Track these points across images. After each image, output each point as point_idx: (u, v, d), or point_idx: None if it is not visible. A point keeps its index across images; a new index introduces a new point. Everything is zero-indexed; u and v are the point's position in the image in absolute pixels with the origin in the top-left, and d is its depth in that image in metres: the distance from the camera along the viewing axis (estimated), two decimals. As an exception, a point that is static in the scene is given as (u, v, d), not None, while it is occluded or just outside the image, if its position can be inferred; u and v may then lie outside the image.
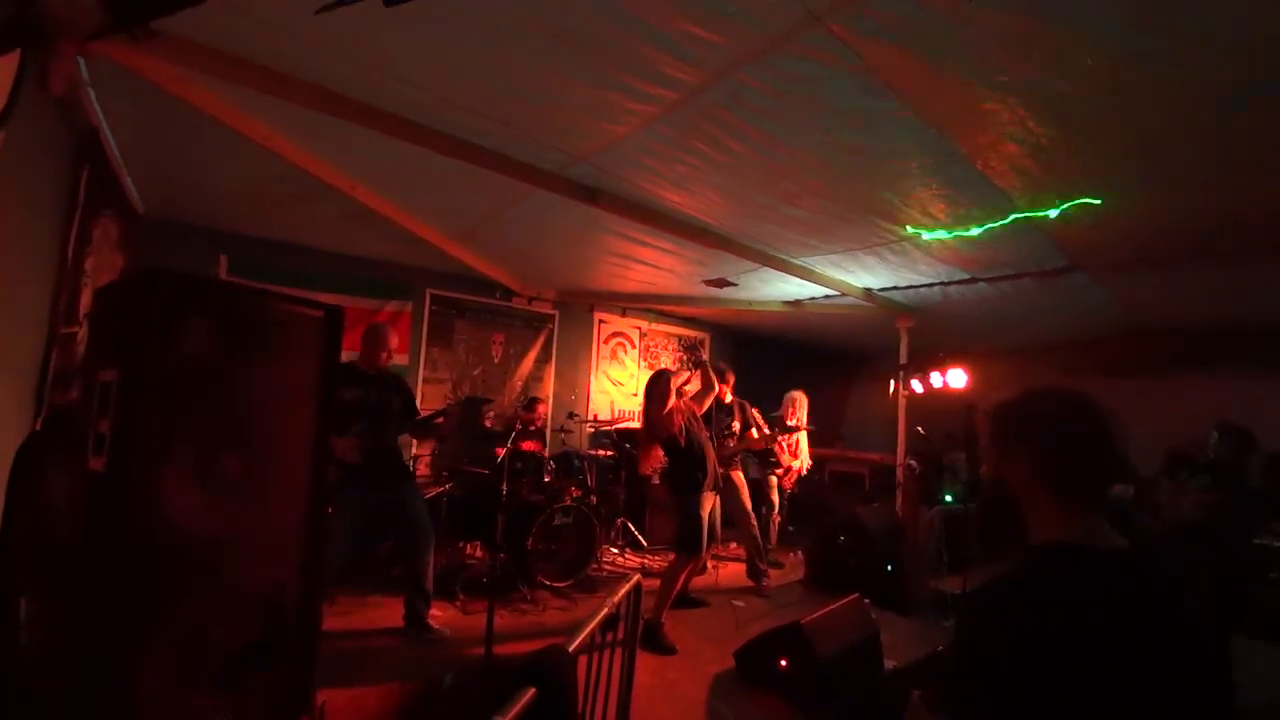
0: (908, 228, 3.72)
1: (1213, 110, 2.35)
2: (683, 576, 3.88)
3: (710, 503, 3.93)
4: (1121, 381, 6.08)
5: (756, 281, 5.48)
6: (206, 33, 2.30)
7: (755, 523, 5.07)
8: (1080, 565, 0.98)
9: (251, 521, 1.84)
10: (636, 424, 7.08)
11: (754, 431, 5.11)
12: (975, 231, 3.68)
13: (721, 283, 5.65)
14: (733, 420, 5.04)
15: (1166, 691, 0.91)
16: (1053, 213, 3.27)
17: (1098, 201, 3.10)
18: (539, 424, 5.96)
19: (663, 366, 4.08)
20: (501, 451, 4.50)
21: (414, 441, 5.18)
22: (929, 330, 5.92)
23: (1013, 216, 3.40)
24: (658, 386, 3.87)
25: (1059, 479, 1.05)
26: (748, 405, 5.19)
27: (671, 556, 4.08)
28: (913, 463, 5.78)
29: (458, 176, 3.46)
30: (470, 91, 2.68)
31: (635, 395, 7.36)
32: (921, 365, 5.70)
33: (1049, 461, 1.06)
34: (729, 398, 5.04)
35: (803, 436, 5.85)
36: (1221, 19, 1.88)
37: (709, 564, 5.29)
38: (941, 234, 3.76)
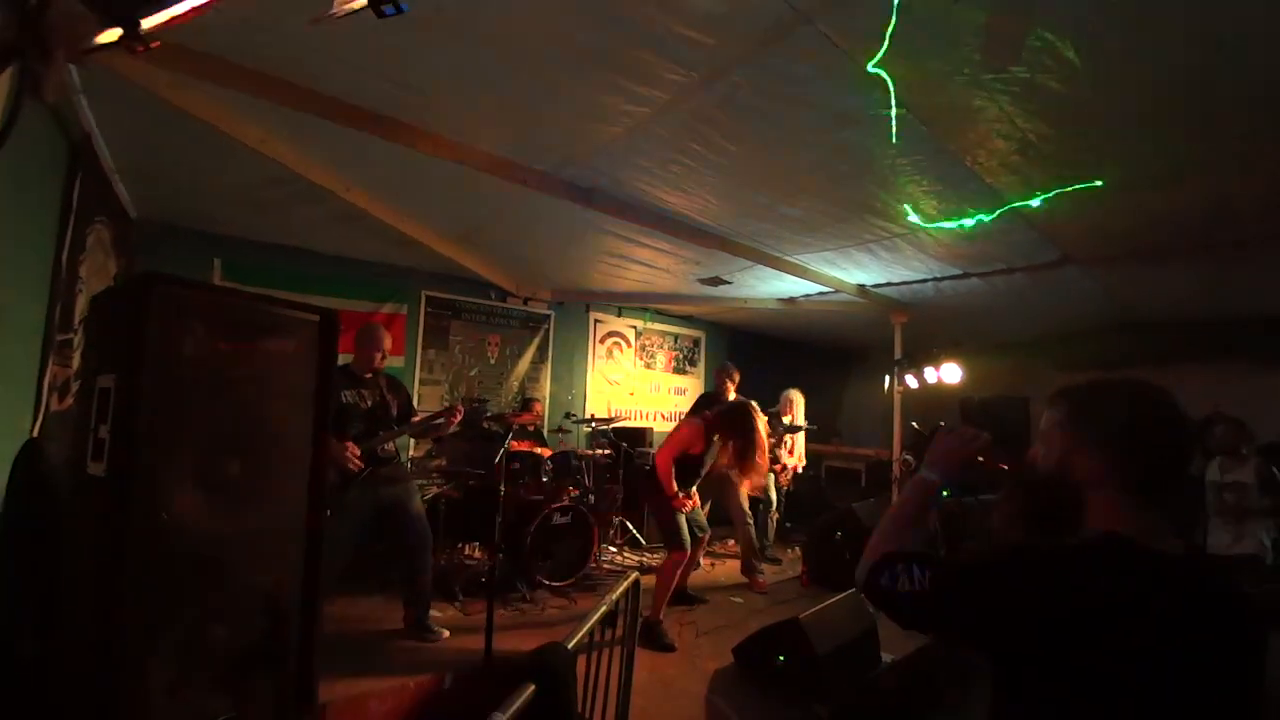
0: (909, 213, 3.71)
1: (1199, 104, 2.38)
2: (676, 574, 3.91)
3: (690, 503, 4.03)
4: (1115, 374, 6.12)
5: (751, 279, 5.50)
6: (199, 38, 2.30)
7: (751, 521, 5.10)
8: (1126, 558, 0.95)
9: (251, 524, 1.86)
10: (634, 423, 7.12)
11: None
12: (968, 223, 3.71)
13: (716, 281, 5.66)
14: None
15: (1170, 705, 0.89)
16: (1035, 201, 3.26)
17: (1099, 184, 3.08)
18: (536, 424, 5.97)
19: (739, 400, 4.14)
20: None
21: (411, 443, 5.19)
22: (923, 325, 5.96)
23: (1005, 208, 3.39)
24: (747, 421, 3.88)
25: (1133, 475, 1.00)
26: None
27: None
28: (909, 458, 5.81)
29: (452, 178, 3.46)
30: (464, 94, 2.68)
31: (632, 395, 7.39)
32: (916, 360, 5.73)
33: (1126, 456, 1.01)
34: (732, 396, 5.06)
35: (800, 435, 5.88)
36: (1207, 15, 1.91)
37: (702, 560, 5.34)
38: (941, 226, 3.75)
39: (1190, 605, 0.93)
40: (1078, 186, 3.12)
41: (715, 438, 3.96)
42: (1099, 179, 3.03)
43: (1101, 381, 1.10)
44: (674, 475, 3.87)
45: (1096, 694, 0.88)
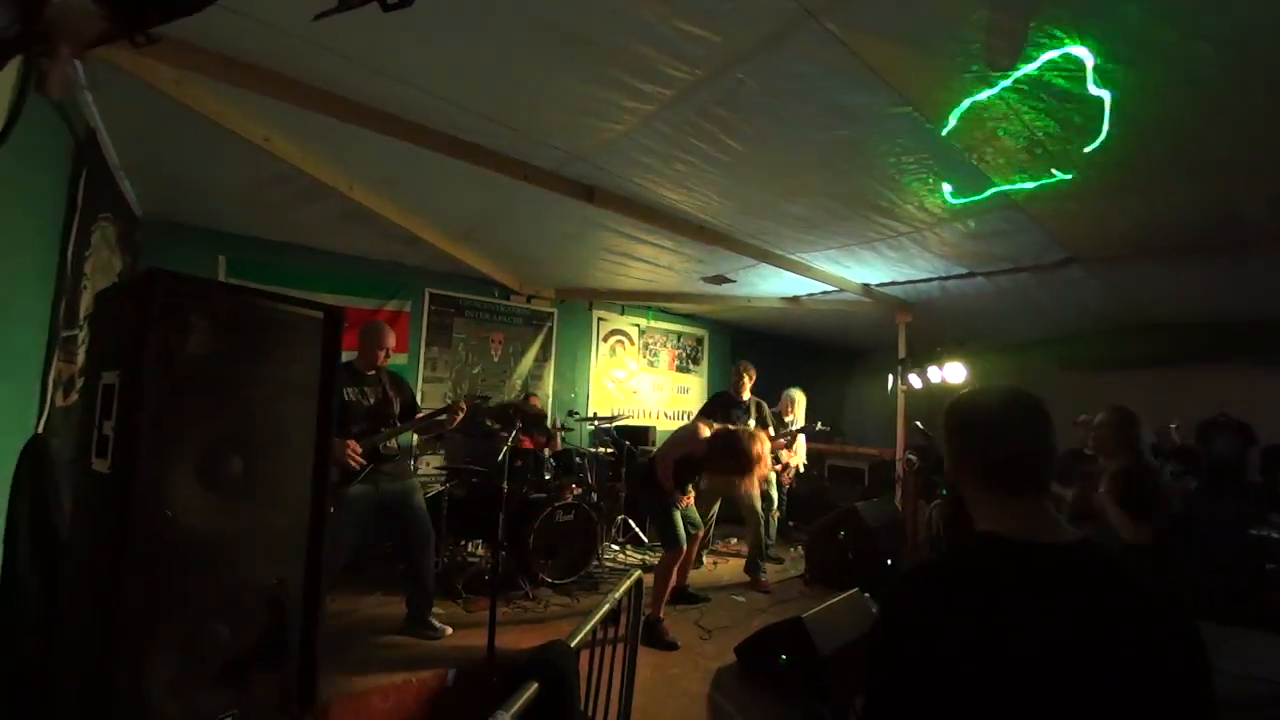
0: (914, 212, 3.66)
1: (1209, 104, 2.36)
2: (673, 572, 3.90)
3: (685, 500, 4.00)
4: (1119, 375, 6.10)
5: (755, 278, 5.49)
6: (204, 34, 2.31)
7: (763, 520, 5.08)
8: (997, 554, 0.98)
9: (254, 520, 1.86)
10: (635, 421, 7.12)
11: (770, 431, 5.09)
12: (972, 224, 3.69)
13: (720, 279, 5.65)
14: (748, 418, 5.01)
15: (1077, 681, 0.87)
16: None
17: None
18: (540, 413, 5.97)
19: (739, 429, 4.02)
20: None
21: (415, 439, 5.19)
22: (927, 325, 5.94)
23: (990, 191, 3.24)
24: (739, 447, 3.62)
25: (984, 470, 1.06)
26: (764, 405, 5.16)
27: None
28: (912, 457, 5.79)
29: (455, 175, 3.46)
30: (467, 90, 2.68)
31: (635, 393, 7.39)
32: (920, 360, 5.71)
33: (976, 454, 1.08)
34: (746, 395, 5.03)
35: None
36: (1217, 15, 1.89)
37: (705, 559, 5.33)
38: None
39: (1076, 593, 0.93)
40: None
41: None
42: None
43: (965, 392, 1.18)
44: (674, 473, 3.85)
45: (998, 698, 0.87)
